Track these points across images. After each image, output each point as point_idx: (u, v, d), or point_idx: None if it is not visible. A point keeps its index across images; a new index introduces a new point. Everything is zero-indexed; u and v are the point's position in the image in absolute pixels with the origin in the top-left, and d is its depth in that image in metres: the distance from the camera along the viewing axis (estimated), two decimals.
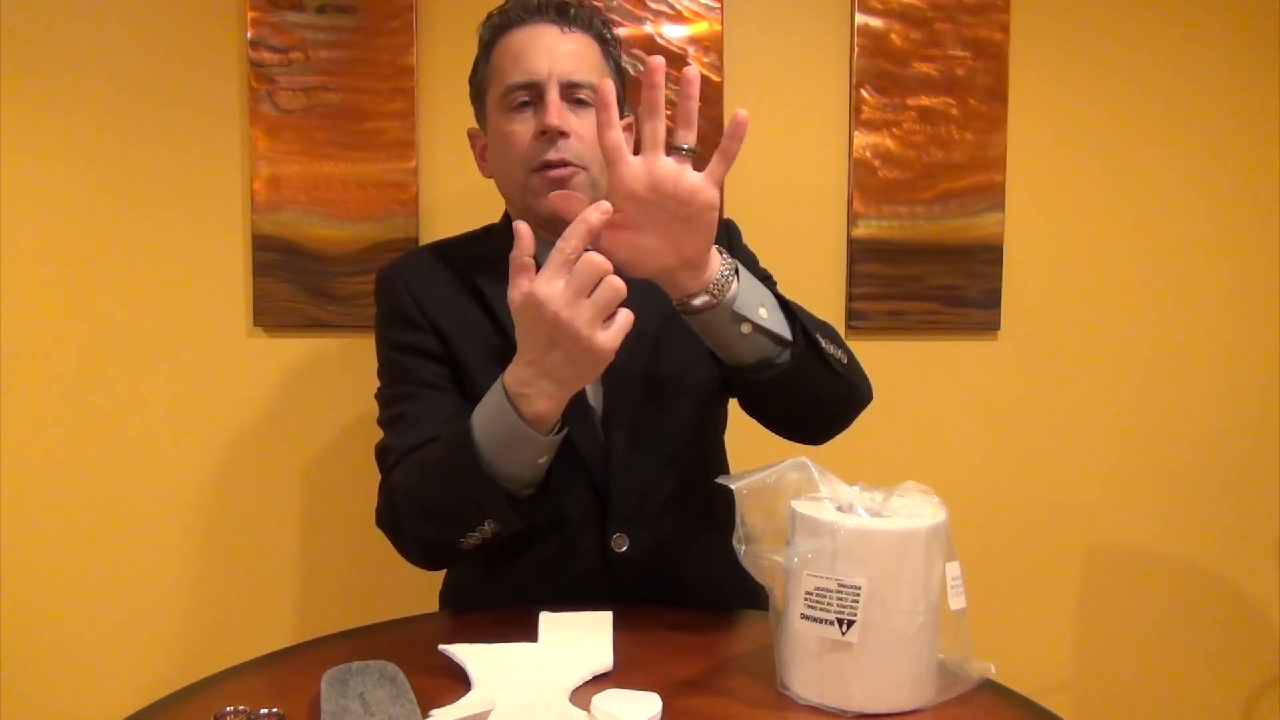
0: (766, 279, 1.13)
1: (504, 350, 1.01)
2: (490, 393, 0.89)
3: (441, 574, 1.19)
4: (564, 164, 1.03)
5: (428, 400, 1.03)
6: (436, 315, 1.07)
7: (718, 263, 0.86)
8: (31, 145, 1.56)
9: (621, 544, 1.04)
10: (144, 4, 1.55)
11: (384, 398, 1.08)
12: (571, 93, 1.05)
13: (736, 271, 0.87)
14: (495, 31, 1.09)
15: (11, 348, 1.58)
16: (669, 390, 1.08)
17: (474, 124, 1.19)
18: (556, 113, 1.02)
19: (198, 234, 1.59)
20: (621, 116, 1.10)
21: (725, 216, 1.21)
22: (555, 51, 1.04)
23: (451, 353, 1.06)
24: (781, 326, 0.89)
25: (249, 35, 1.54)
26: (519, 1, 1.08)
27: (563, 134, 1.02)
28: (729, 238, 1.20)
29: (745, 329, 0.87)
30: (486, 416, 0.88)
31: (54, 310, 1.58)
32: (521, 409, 0.85)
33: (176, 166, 1.58)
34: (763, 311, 0.88)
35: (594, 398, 1.05)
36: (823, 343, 0.92)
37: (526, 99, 1.05)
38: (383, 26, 1.55)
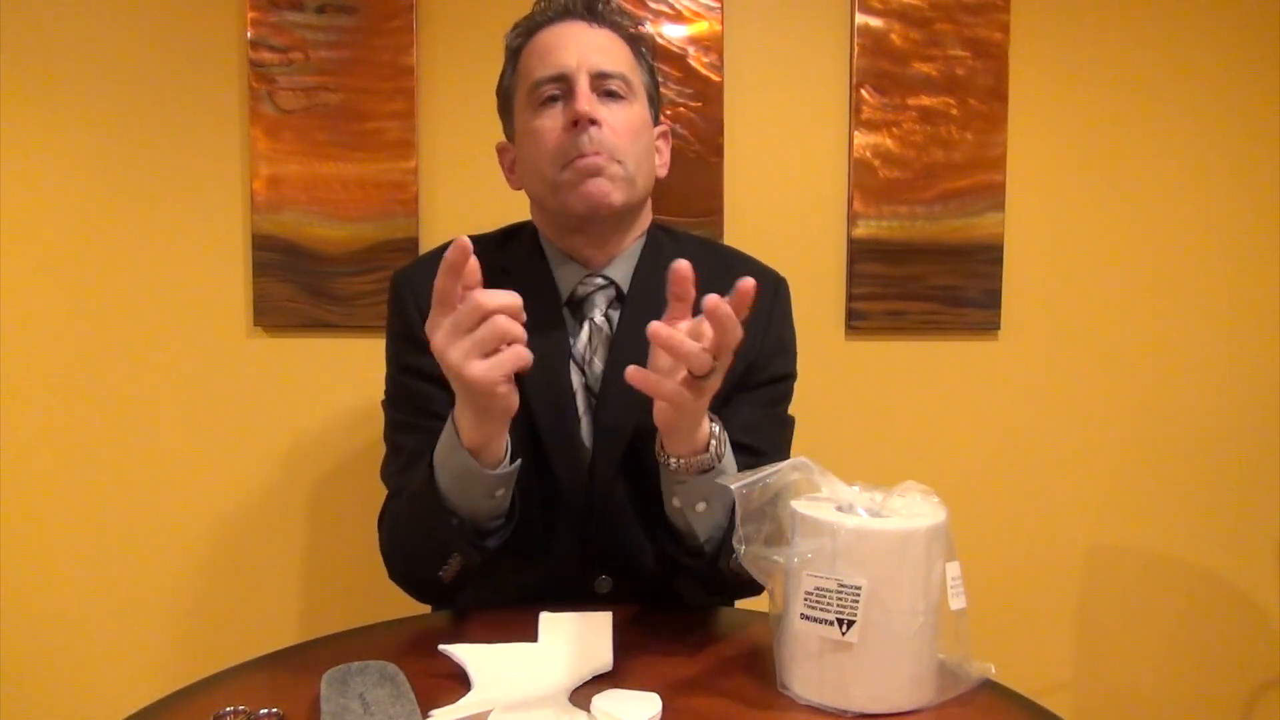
0: (787, 378, 1.10)
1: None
2: (445, 427, 0.88)
3: None
4: (597, 153, 0.99)
5: (427, 435, 0.96)
6: None
7: (703, 447, 0.87)
8: (32, 145, 1.56)
9: (604, 586, 1.03)
10: (144, 4, 1.55)
11: (389, 418, 1.06)
12: (602, 83, 1.01)
13: (715, 461, 0.88)
14: (521, 35, 1.06)
15: (12, 348, 1.58)
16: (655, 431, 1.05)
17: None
18: (587, 100, 0.98)
19: (198, 234, 1.59)
20: (656, 123, 1.09)
21: (778, 275, 1.13)
22: (584, 44, 1.01)
23: None
24: (705, 529, 0.92)
25: (249, 35, 1.54)
26: (545, 3, 1.05)
27: (594, 122, 0.98)
28: (774, 299, 1.11)
29: (676, 502, 0.91)
30: (442, 452, 0.88)
31: (54, 310, 1.58)
32: (461, 441, 0.86)
33: (177, 166, 1.58)
34: (700, 506, 0.90)
35: (587, 440, 1.02)
36: (725, 563, 0.91)
37: (555, 93, 1.01)
38: (383, 26, 1.55)
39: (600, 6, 1.04)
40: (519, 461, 0.90)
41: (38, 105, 1.55)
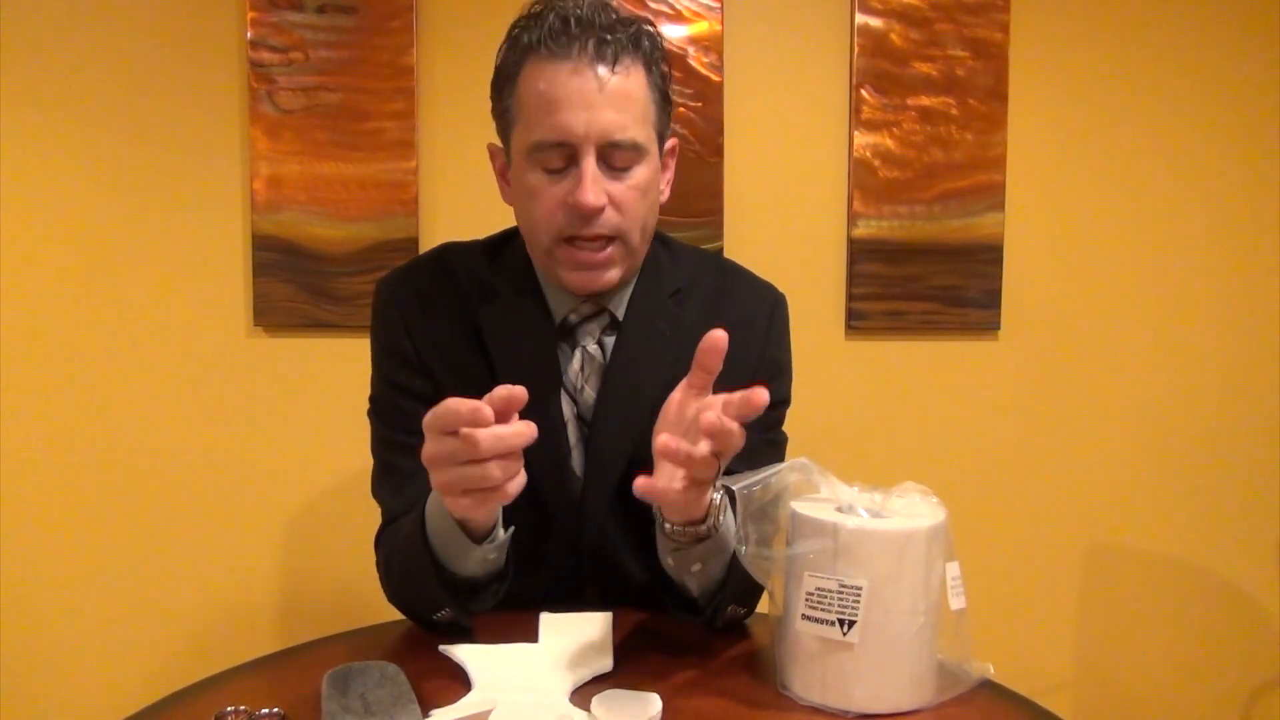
0: (782, 403, 1.08)
1: None
2: None
3: None
4: (600, 240, 0.93)
5: (417, 456, 0.93)
6: (429, 354, 0.99)
7: (701, 518, 0.84)
8: (32, 145, 1.56)
9: (593, 595, 1.02)
10: (144, 4, 1.55)
11: (377, 432, 1.03)
12: (610, 155, 0.92)
13: (712, 532, 0.85)
14: (523, 55, 0.93)
15: (12, 347, 1.58)
16: (651, 462, 0.99)
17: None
18: (592, 189, 0.90)
19: (198, 234, 1.59)
20: (662, 146, 1.00)
21: (776, 295, 1.09)
22: (593, 105, 0.90)
23: (442, 396, 0.98)
24: (700, 587, 0.89)
25: (249, 35, 1.54)
26: (551, 25, 0.91)
27: (600, 210, 0.91)
28: (770, 319, 1.06)
29: (670, 561, 0.88)
30: (434, 505, 0.86)
31: (55, 310, 1.58)
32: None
33: (177, 166, 1.58)
34: (696, 568, 0.87)
35: (579, 469, 0.99)
36: (723, 610, 0.89)
37: (559, 164, 0.92)
38: (383, 26, 1.55)
39: (610, 44, 0.91)
40: (510, 531, 0.88)
41: (38, 105, 1.55)
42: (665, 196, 1.03)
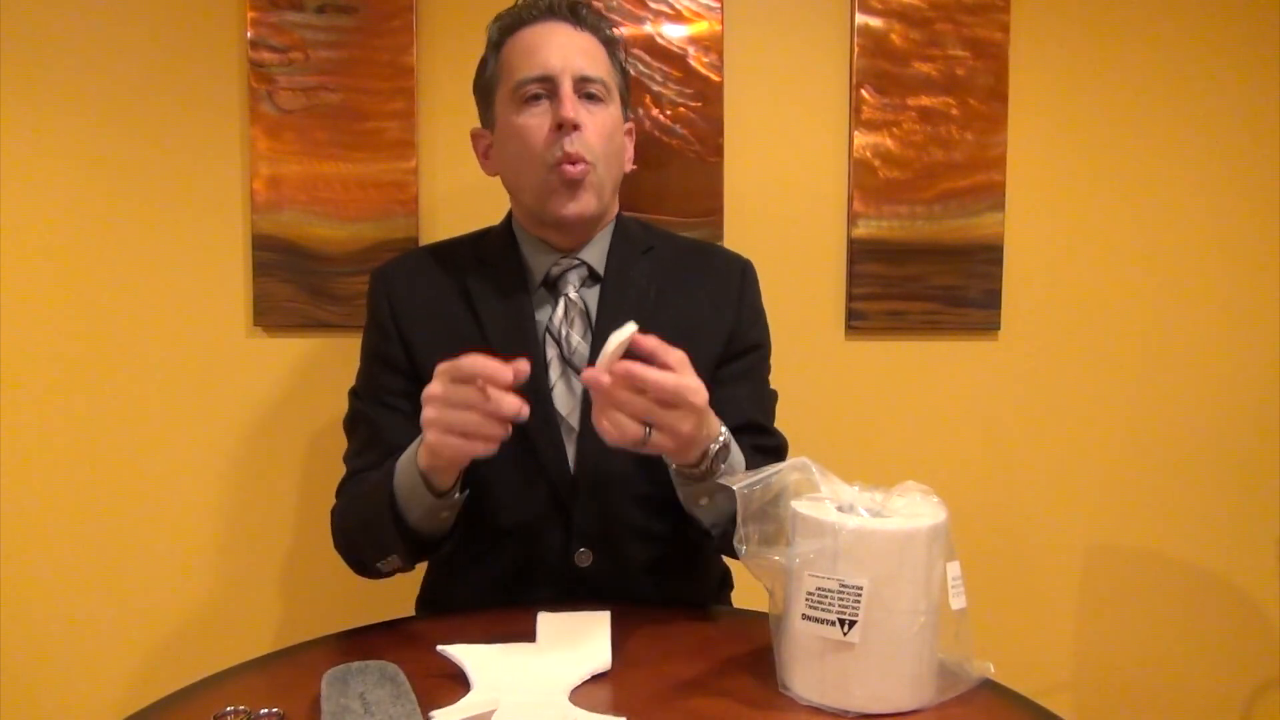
0: (764, 345, 1.19)
1: (481, 347, 1.03)
2: (417, 439, 0.93)
3: (419, 580, 1.22)
4: (579, 159, 1.05)
5: (385, 423, 1.08)
6: (409, 325, 1.11)
7: (697, 460, 0.91)
8: (31, 145, 1.55)
9: (585, 559, 1.04)
10: (144, 4, 1.55)
11: (353, 398, 1.15)
12: (583, 87, 1.07)
13: (710, 475, 0.91)
14: (505, 30, 1.12)
15: (11, 347, 1.58)
16: None
17: (475, 122, 1.19)
18: (571, 106, 1.04)
19: (198, 234, 1.58)
20: (625, 119, 1.16)
21: (745, 258, 1.22)
22: (568, 47, 1.07)
23: (416, 366, 1.08)
24: (711, 518, 0.98)
25: (249, 35, 1.54)
26: (529, 3, 1.11)
27: (577, 126, 1.04)
28: (741, 283, 1.18)
29: (680, 495, 0.98)
30: (404, 460, 0.95)
31: (54, 310, 1.58)
32: (417, 459, 0.92)
33: (176, 166, 1.57)
34: (704, 501, 0.96)
35: (571, 415, 1.06)
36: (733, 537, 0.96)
37: (540, 92, 1.07)
38: (383, 26, 1.55)
39: (583, 11, 1.11)
40: (466, 493, 0.97)
41: (38, 105, 1.55)
42: (629, 167, 1.19)
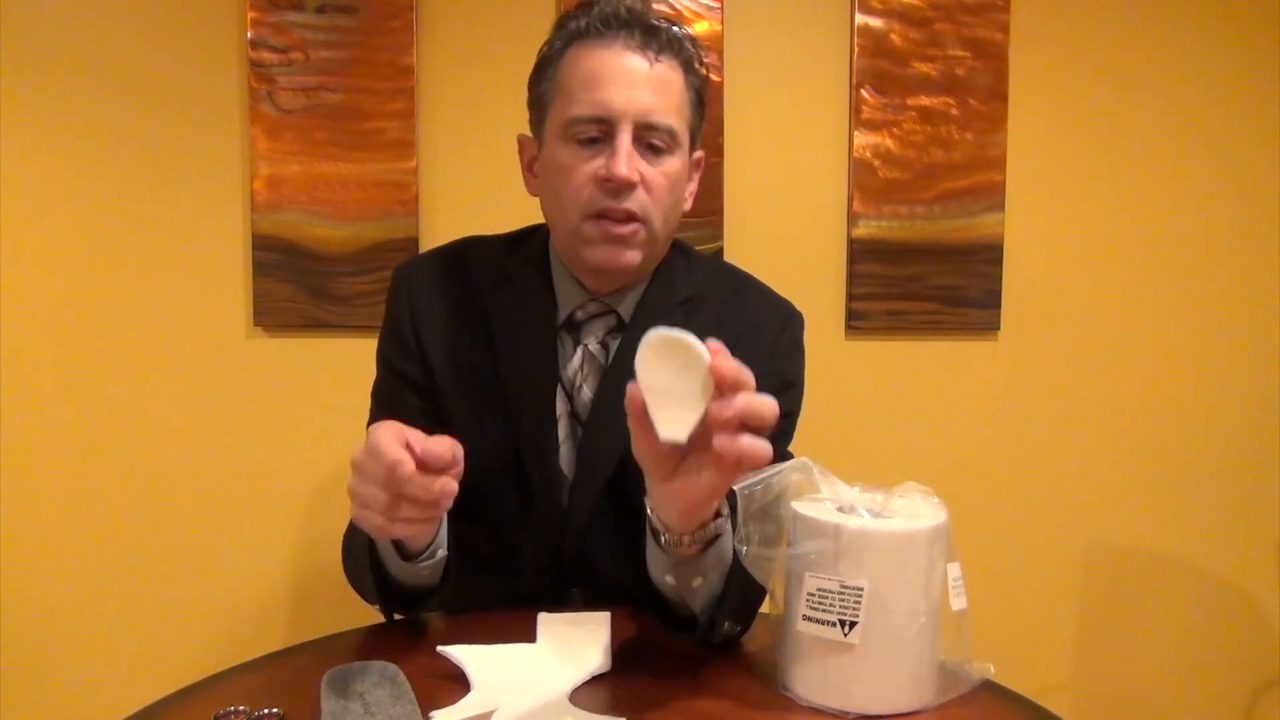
0: (789, 415, 1.01)
1: (494, 385, 0.98)
2: None
3: None
4: (628, 217, 0.93)
5: None
6: (429, 340, 1.01)
7: (713, 515, 0.80)
8: (32, 145, 1.55)
9: (577, 598, 1.02)
10: (144, 4, 1.55)
11: (373, 404, 1.07)
12: (646, 136, 0.93)
13: (720, 531, 0.81)
14: (569, 40, 0.96)
15: (12, 347, 1.57)
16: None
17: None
18: (627, 162, 0.91)
19: (198, 234, 1.58)
20: (693, 150, 1.01)
21: (790, 312, 1.07)
22: (635, 84, 0.92)
23: (435, 384, 1.01)
24: (700, 603, 0.84)
25: (249, 35, 1.54)
26: (600, 11, 0.94)
27: (632, 186, 0.92)
28: (780, 332, 1.04)
29: (670, 580, 0.84)
30: None
31: (55, 310, 1.58)
32: None
33: (177, 166, 1.57)
34: (697, 582, 0.83)
35: (567, 467, 0.99)
36: (720, 626, 0.84)
37: (596, 135, 0.93)
38: (383, 26, 1.55)
39: (663, 33, 0.94)
40: (441, 555, 0.89)
41: (38, 105, 1.55)
42: (688, 206, 1.03)
